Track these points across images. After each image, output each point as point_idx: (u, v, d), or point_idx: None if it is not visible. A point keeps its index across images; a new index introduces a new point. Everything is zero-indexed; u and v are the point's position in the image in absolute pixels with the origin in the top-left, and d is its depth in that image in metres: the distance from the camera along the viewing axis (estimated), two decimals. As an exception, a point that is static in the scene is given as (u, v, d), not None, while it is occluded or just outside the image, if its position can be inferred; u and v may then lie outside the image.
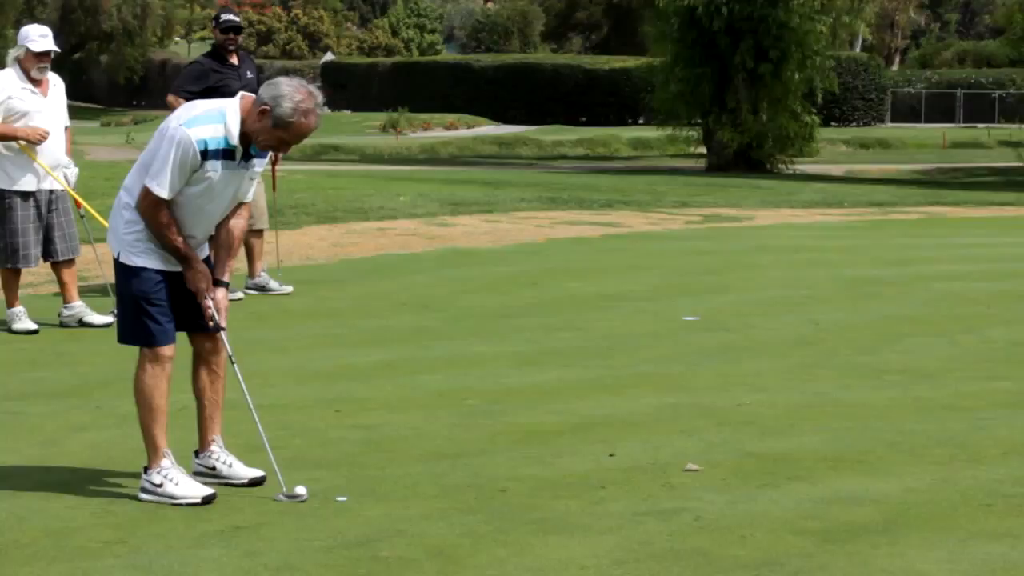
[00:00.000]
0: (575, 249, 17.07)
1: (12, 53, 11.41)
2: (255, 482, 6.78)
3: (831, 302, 12.77)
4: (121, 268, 6.64)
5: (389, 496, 6.60)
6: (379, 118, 64.51)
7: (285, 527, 6.15)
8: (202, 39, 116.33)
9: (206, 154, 6.36)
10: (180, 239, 6.51)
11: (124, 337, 6.75)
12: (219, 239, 6.77)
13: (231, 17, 12.86)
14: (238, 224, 6.79)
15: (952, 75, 77.13)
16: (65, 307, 11.59)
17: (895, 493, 6.57)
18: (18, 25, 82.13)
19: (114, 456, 7.33)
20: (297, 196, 21.60)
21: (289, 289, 13.10)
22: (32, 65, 11.31)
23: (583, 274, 14.69)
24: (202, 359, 6.83)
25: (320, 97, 6.49)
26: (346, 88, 77.46)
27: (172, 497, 6.50)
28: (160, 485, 6.55)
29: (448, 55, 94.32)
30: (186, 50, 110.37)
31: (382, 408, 8.48)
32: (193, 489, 6.55)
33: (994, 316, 12.04)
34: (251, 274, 13.23)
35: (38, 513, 6.37)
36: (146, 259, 6.56)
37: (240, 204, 6.74)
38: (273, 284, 13.18)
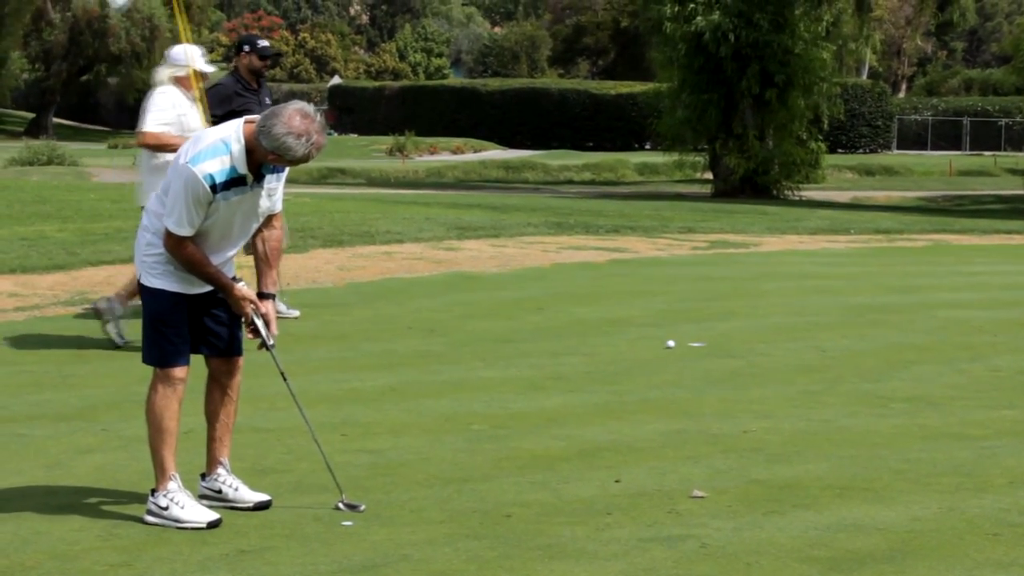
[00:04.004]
0: (581, 274, 17.06)
1: (167, 72, 11.51)
2: (260, 506, 6.78)
3: (837, 329, 12.75)
4: (141, 288, 6.70)
5: (394, 521, 6.59)
6: (386, 142, 64.63)
7: (290, 552, 6.14)
8: (210, 63, 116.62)
9: (215, 188, 6.38)
10: (214, 270, 6.54)
11: (148, 358, 6.74)
12: (257, 253, 6.81)
13: (269, 45, 12.87)
14: (273, 235, 6.82)
15: (958, 103, 77.25)
16: None
17: (901, 522, 6.56)
18: (25, 46, 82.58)
19: (120, 479, 7.32)
20: (303, 219, 21.58)
21: (296, 313, 13.09)
22: (191, 85, 11.50)
23: (589, 299, 14.68)
24: (217, 382, 6.85)
25: (318, 122, 6.47)
26: (353, 112, 77.67)
27: (178, 521, 6.50)
28: (166, 508, 6.54)
29: (455, 79, 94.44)
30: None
31: (388, 432, 8.48)
32: (199, 514, 6.54)
33: (1000, 344, 12.02)
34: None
35: (43, 536, 6.36)
36: (164, 281, 6.58)
37: (271, 217, 6.76)
38: (280, 306, 13.15)
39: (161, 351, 6.62)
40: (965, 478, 7.39)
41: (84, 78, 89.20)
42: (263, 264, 6.82)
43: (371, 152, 64.24)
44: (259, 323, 6.71)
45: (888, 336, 12.44)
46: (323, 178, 44.68)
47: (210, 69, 11.79)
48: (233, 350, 6.84)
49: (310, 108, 6.49)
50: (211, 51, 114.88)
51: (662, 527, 6.48)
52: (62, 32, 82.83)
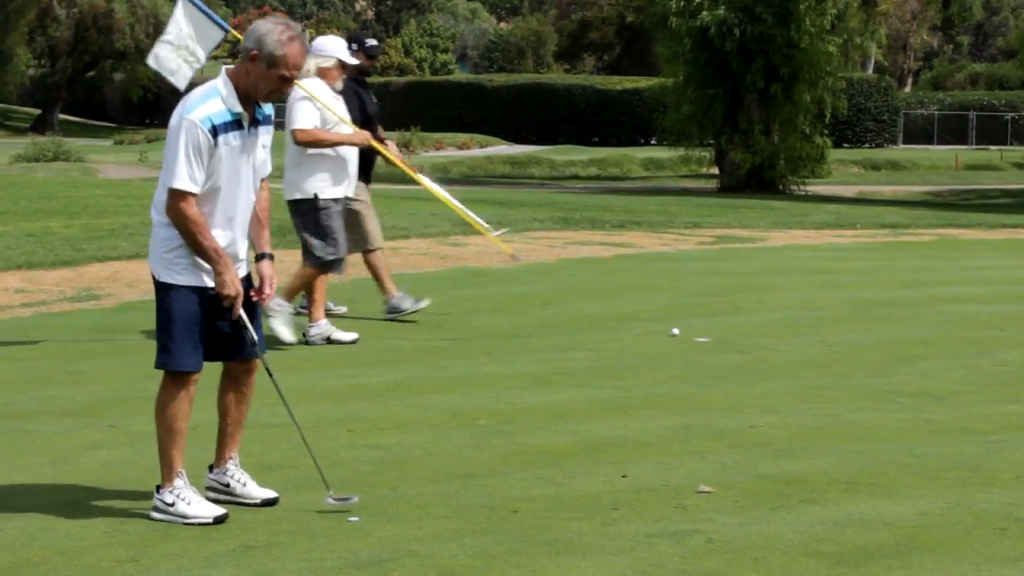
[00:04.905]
0: (587, 269, 17.06)
1: (312, 62, 11.51)
2: (268, 503, 6.77)
3: (843, 324, 12.75)
4: (160, 287, 6.58)
5: (401, 516, 6.59)
6: (391, 137, 64.39)
7: (297, 547, 6.14)
8: (215, 58, 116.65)
9: (215, 131, 6.37)
10: (213, 241, 6.45)
11: (164, 360, 6.61)
12: (252, 216, 6.75)
13: (377, 43, 12.87)
14: (263, 195, 6.80)
15: (965, 97, 77.18)
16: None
17: (908, 516, 6.55)
18: (30, 42, 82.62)
19: (126, 475, 7.32)
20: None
21: (343, 309, 13.02)
22: (337, 76, 11.58)
23: (595, 294, 14.67)
24: (232, 379, 6.81)
25: (297, 25, 6.57)
26: (358, 107, 77.54)
27: (184, 516, 6.50)
28: (172, 504, 6.54)
29: (461, 75, 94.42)
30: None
31: (394, 428, 8.48)
32: (205, 509, 6.54)
33: (1007, 339, 12.01)
34: (387, 295, 12.79)
35: (49, 532, 6.36)
36: (187, 276, 6.50)
37: (262, 181, 6.75)
38: (328, 304, 12.90)
39: (178, 354, 6.54)
40: (972, 473, 7.38)
41: (89, 74, 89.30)
42: (257, 225, 6.78)
43: (377, 148, 64.22)
44: (244, 317, 6.59)
45: (894, 331, 12.43)
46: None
47: (355, 61, 11.83)
48: (251, 352, 6.76)
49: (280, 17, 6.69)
50: (217, 47, 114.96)
51: (669, 522, 6.47)
52: (67, 28, 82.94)
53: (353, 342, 11.55)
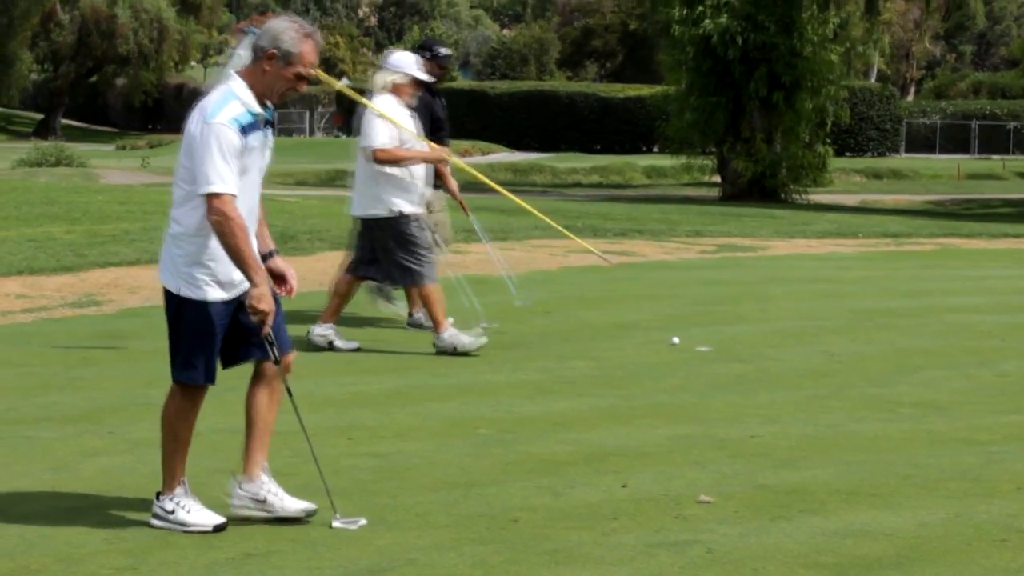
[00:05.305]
0: (588, 278, 17.05)
1: (385, 78, 11.55)
2: (309, 515, 6.65)
3: (845, 333, 12.74)
4: (180, 302, 6.48)
5: (400, 525, 6.58)
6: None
7: (296, 555, 6.13)
8: (218, 64, 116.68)
9: (244, 131, 6.34)
10: (254, 250, 6.39)
11: (182, 373, 6.55)
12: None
13: (448, 52, 12.85)
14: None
15: (967, 106, 77.11)
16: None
17: (909, 527, 6.55)
18: (33, 47, 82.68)
19: (126, 482, 7.31)
20: (311, 222, 21.62)
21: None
22: (410, 93, 11.57)
23: (596, 303, 14.67)
24: (264, 379, 6.72)
25: (309, 23, 6.58)
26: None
27: (183, 524, 6.49)
28: (172, 512, 6.53)
29: (463, 81, 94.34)
30: (202, 74, 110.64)
31: (394, 436, 8.47)
32: (204, 517, 6.53)
33: (1009, 349, 12.01)
34: (414, 308, 12.87)
35: (49, 539, 6.36)
36: (208, 291, 6.44)
37: None
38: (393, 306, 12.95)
39: (197, 369, 6.49)
40: (972, 484, 7.37)
41: (92, 79, 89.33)
42: (259, 226, 6.70)
43: (379, 154, 64.23)
44: (269, 331, 6.50)
45: (896, 340, 12.43)
46: (331, 180, 44.65)
47: (428, 78, 11.83)
48: (284, 348, 6.68)
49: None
50: (219, 52, 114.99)
51: (668, 532, 6.47)
52: (70, 33, 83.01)
53: (355, 350, 11.55)
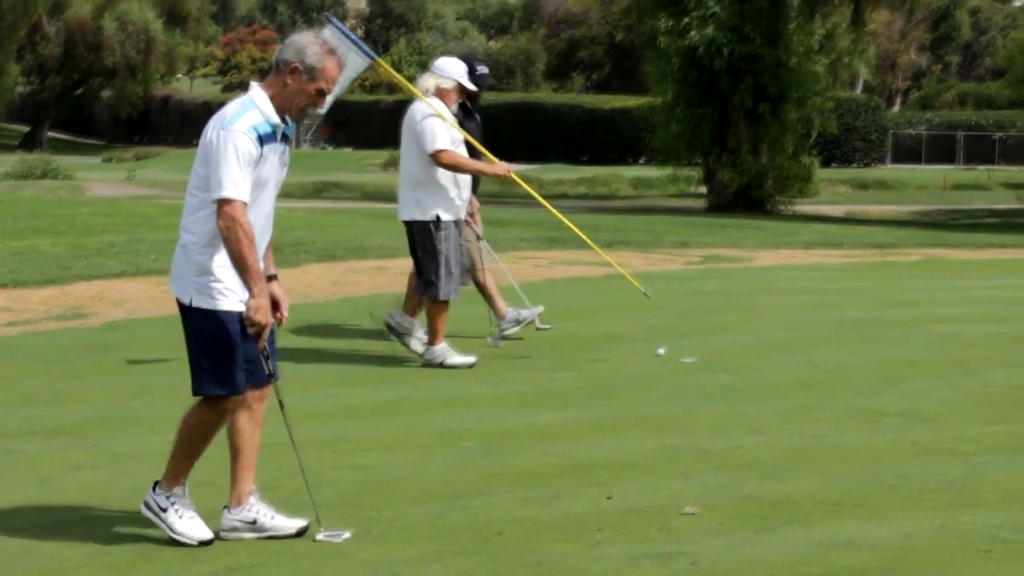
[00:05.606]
0: (574, 289, 17.05)
1: (430, 81, 11.56)
2: (301, 532, 6.62)
3: (830, 344, 12.74)
4: (197, 313, 6.41)
5: (385, 538, 6.57)
6: (381, 156, 64.62)
7: (280, 569, 6.12)
8: (205, 76, 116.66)
9: (261, 140, 6.31)
10: (258, 262, 6.35)
11: (206, 386, 6.47)
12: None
13: (488, 72, 12.82)
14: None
15: (953, 117, 77.34)
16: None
17: (893, 538, 6.54)
18: (19, 59, 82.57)
19: (110, 495, 7.30)
20: (297, 234, 21.58)
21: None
22: (454, 99, 11.60)
23: (582, 314, 14.67)
24: (248, 409, 6.64)
25: (330, 38, 6.59)
26: (348, 125, 77.68)
27: (171, 528, 6.44)
28: (165, 511, 6.48)
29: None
30: (188, 86, 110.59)
31: (379, 448, 8.46)
32: (194, 529, 6.48)
33: (994, 359, 12.01)
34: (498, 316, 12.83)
35: (33, 552, 6.34)
36: (221, 301, 6.37)
37: None
38: (525, 312, 12.98)
39: (223, 379, 6.40)
40: (957, 494, 7.37)
41: (79, 91, 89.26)
42: (265, 248, 6.68)
43: (366, 166, 64.28)
44: (266, 348, 6.46)
45: (881, 351, 12.43)
46: (318, 192, 44.66)
47: (473, 87, 11.83)
48: (273, 375, 6.61)
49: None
50: (206, 64, 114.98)
51: (653, 544, 6.46)
52: (57, 45, 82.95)
53: (471, 366, 11.49)
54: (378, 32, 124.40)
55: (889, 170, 66.18)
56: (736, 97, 37.82)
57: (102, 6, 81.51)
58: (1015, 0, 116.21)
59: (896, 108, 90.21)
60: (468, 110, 12.28)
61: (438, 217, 11.40)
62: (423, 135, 11.30)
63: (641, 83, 64.95)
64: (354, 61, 11.50)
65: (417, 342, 11.75)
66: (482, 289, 12.70)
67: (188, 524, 6.50)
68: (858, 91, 78.03)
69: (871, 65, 73.24)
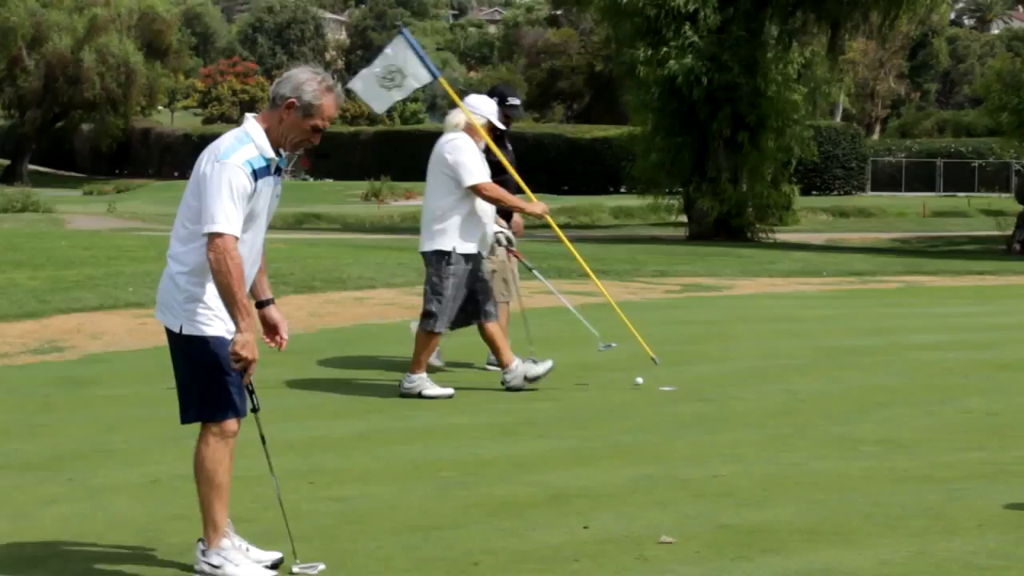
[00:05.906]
0: (552, 319, 17.02)
1: (459, 117, 11.60)
2: (276, 565, 6.56)
3: (809, 372, 12.76)
4: (188, 340, 6.35)
5: (362, 570, 6.55)
6: (361, 187, 64.70)
7: (255, 602, 6.09)
8: (185, 108, 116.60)
9: (256, 175, 6.27)
10: (246, 296, 6.28)
11: (200, 413, 6.43)
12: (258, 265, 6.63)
13: (520, 103, 12.82)
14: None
15: (932, 144, 77.65)
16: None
17: (870, 565, 6.54)
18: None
19: (85, 529, 7.26)
20: (276, 265, 21.52)
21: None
22: (481, 137, 11.61)
23: (559, 344, 14.65)
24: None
25: (330, 76, 6.50)
26: (328, 157, 77.66)
27: None
28: (220, 567, 6.36)
29: (431, 124, 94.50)
30: (169, 119, 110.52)
31: (356, 480, 8.44)
32: (252, 571, 6.39)
33: (971, 386, 12.04)
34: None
35: (6, 588, 6.31)
36: (211, 327, 6.32)
37: None
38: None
39: (220, 404, 6.35)
40: (934, 521, 7.38)
41: (59, 124, 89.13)
42: (260, 274, 6.66)
43: (346, 197, 64.30)
44: (252, 383, 6.43)
45: (859, 379, 12.45)
46: (298, 223, 44.69)
47: (503, 126, 11.94)
48: (256, 409, 6.56)
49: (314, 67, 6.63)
50: (186, 97, 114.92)
51: (630, 573, 6.45)
52: (36, 79, 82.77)
53: (449, 397, 11.47)
54: (359, 64, 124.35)
55: (869, 198, 66.42)
56: (715, 126, 37.97)
57: (82, 39, 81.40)
58: (992, 28, 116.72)
59: (875, 136, 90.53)
60: (503, 142, 12.36)
61: (454, 248, 11.39)
62: (459, 168, 11.32)
63: (621, 113, 65.20)
64: (417, 74, 11.71)
65: (535, 367, 11.80)
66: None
67: (247, 570, 6.37)
68: (837, 119, 78.33)
69: (850, 93, 73.62)
